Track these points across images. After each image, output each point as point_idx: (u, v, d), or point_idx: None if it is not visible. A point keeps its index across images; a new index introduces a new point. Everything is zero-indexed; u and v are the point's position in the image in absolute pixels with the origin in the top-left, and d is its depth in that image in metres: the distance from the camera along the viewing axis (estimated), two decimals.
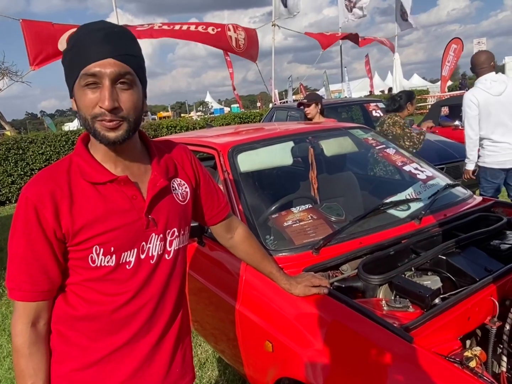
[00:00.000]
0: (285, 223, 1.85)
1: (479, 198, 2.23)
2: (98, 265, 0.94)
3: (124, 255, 0.97)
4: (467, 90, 3.51)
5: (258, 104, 36.48)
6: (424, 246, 1.78)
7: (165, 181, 1.04)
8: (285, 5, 13.30)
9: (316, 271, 1.56)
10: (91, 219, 0.93)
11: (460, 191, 2.26)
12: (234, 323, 1.69)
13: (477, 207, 2.09)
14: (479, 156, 3.38)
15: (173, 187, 1.09)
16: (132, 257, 0.99)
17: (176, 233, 1.07)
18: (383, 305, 1.38)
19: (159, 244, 1.03)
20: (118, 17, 8.73)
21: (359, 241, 1.73)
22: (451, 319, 1.28)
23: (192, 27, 11.45)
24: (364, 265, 1.57)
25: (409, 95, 3.79)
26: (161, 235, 1.03)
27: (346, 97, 19.41)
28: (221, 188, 1.98)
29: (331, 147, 2.47)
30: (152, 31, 10.77)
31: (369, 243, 1.72)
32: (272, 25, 12.92)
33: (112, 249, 0.95)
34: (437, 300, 1.43)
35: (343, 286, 1.57)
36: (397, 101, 3.76)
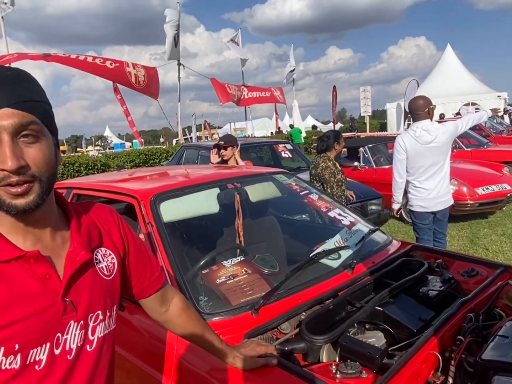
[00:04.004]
0: (218, 280, 1.68)
1: (398, 243, 2.31)
2: None
3: (32, 353, 0.74)
4: (357, 132, 3.73)
5: (162, 139, 35.93)
6: (359, 297, 1.75)
7: (87, 253, 0.84)
8: (176, 46, 13.50)
9: (257, 335, 1.42)
10: None
11: (380, 236, 2.34)
12: None
13: (399, 252, 2.16)
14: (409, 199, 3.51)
15: (96, 259, 0.88)
16: (43, 355, 0.76)
17: (101, 317, 0.86)
18: (334, 371, 1.28)
19: (78, 333, 0.81)
20: (8, 45, 7.95)
21: (298, 296, 1.64)
22: (403, 381, 1.22)
23: (90, 59, 10.93)
24: (307, 324, 1.48)
25: (336, 135, 3.87)
26: (82, 322, 0.82)
27: (249, 135, 20.12)
28: (143, 239, 1.76)
29: (256, 192, 2.40)
30: (45, 56, 10.01)
31: (308, 299, 1.64)
32: (178, 64, 12.97)
33: (17, 347, 0.72)
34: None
35: (286, 349, 1.45)
36: (325, 142, 3.83)
